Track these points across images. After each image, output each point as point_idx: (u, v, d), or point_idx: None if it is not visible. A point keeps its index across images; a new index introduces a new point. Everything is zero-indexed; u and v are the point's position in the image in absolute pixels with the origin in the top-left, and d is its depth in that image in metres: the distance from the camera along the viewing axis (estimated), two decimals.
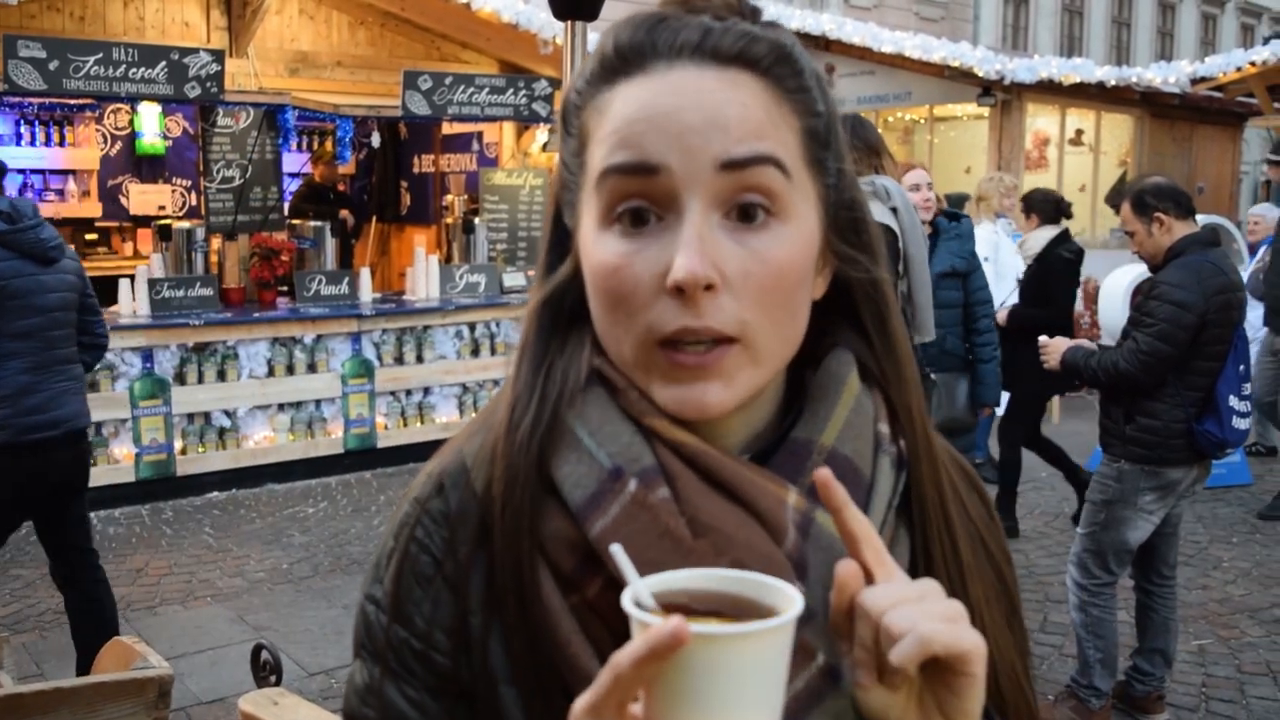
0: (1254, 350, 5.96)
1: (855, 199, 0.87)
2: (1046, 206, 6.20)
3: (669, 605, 0.67)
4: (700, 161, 0.77)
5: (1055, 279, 6.09)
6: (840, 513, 0.73)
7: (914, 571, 0.84)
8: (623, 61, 0.81)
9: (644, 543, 0.76)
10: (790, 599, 0.66)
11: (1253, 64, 11.25)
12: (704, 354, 0.78)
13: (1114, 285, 8.40)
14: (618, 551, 0.69)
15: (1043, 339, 4.25)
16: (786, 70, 0.82)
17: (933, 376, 4.50)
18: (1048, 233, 6.09)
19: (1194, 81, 11.71)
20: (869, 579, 0.72)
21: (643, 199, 0.79)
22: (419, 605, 0.84)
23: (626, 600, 0.66)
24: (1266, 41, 12.29)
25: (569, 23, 3.83)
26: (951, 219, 5.39)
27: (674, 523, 0.76)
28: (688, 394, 0.79)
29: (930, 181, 5.26)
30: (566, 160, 0.87)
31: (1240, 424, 3.83)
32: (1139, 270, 4.34)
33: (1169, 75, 11.72)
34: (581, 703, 0.65)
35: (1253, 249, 8.76)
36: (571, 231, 0.87)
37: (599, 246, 0.80)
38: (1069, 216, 6.26)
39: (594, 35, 4.18)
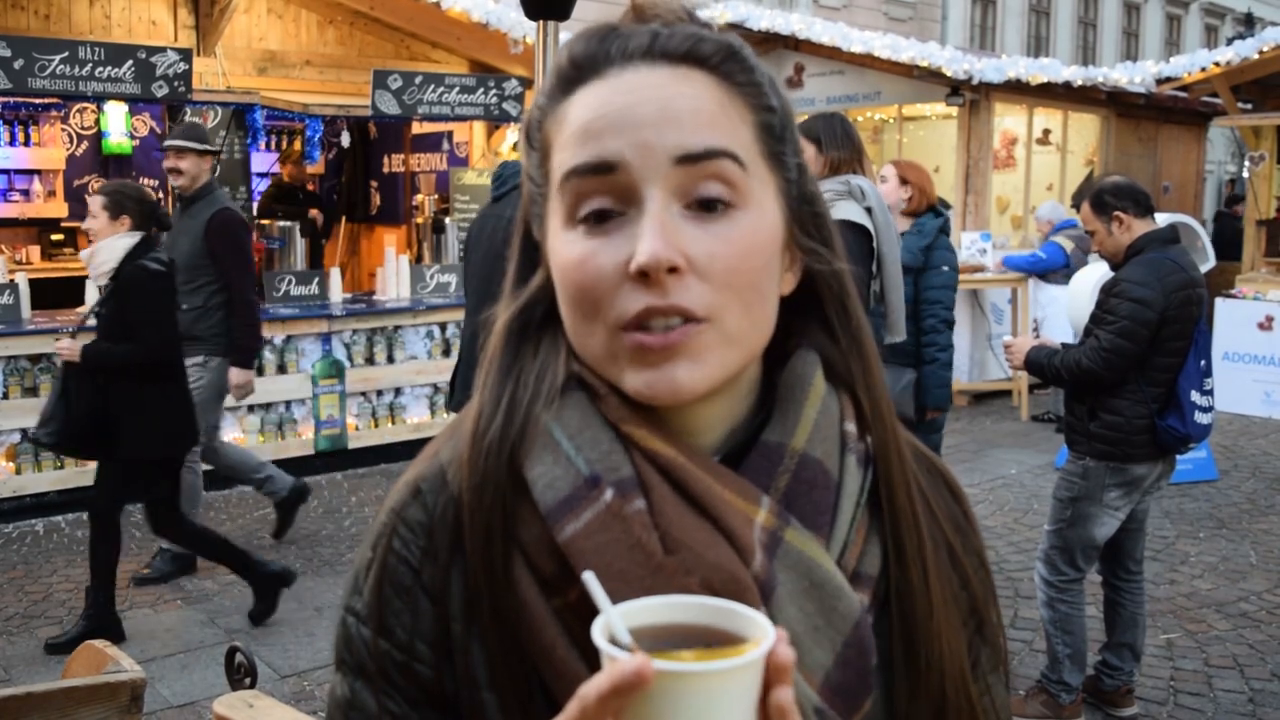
0: None
1: (813, 193, 0.89)
2: (139, 206, 4.60)
3: (643, 634, 0.67)
4: (657, 156, 0.78)
5: (139, 301, 4.47)
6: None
7: (885, 567, 0.85)
8: (578, 71, 0.84)
9: (614, 553, 0.76)
10: (763, 630, 0.66)
11: (1217, 64, 11.37)
12: (669, 333, 0.78)
13: (1081, 283, 8.46)
14: (590, 579, 0.69)
15: (1006, 338, 4.28)
16: (735, 66, 0.84)
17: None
18: (127, 240, 4.53)
19: (1159, 82, 11.81)
20: None
21: (604, 197, 0.80)
22: (399, 617, 0.84)
23: (596, 632, 0.66)
24: (1230, 42, 12.42)
25: (540, 22, 3.83)
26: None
27: (646, 537, 0.76)
28: (657, 377, 0.79)
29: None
30: (531, 174, 0.88)
31: (1203, 419, 3.88)
32: (1105, 269, 4.38)
33: (1134, 75, 11.82)
34: None
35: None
36: (540, 244, 0.88)
37: (565, 245, 0.82)
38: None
39: (565, 35, 4.17)
